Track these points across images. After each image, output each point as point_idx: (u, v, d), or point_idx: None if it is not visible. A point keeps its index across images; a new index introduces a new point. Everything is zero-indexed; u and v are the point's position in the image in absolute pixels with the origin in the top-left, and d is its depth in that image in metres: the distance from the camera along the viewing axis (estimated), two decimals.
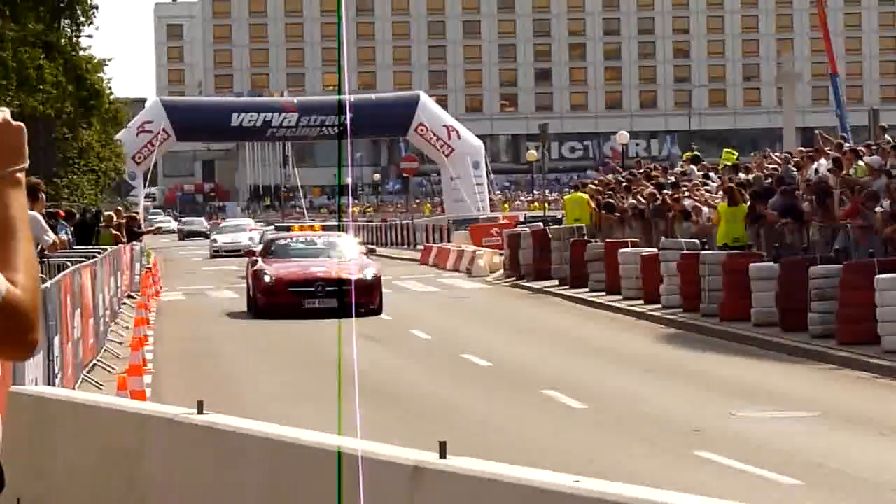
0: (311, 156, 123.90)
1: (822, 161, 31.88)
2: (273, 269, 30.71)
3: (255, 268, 30.62)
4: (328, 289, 30.05)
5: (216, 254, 61.43)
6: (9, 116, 2.80)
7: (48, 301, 15.03)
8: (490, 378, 24.29)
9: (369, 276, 32.53)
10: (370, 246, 37.97)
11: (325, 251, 35.74)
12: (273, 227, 65.39)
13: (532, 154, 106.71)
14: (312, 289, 29.89)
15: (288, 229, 50.77)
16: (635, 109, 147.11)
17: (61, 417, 10.04)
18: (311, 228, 47.16)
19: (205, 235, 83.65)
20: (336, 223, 56.79)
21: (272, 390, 20.64)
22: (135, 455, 8.93)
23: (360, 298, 31.49)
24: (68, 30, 51.02)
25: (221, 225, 59.51)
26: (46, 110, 42.91)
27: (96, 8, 50.55)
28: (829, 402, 20.51)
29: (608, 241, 40.47)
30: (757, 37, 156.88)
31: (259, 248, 42.24)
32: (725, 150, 52.83)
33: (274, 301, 30.69)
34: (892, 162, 28.09)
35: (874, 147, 32.86)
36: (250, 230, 68.57)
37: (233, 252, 63.98)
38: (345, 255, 35.11)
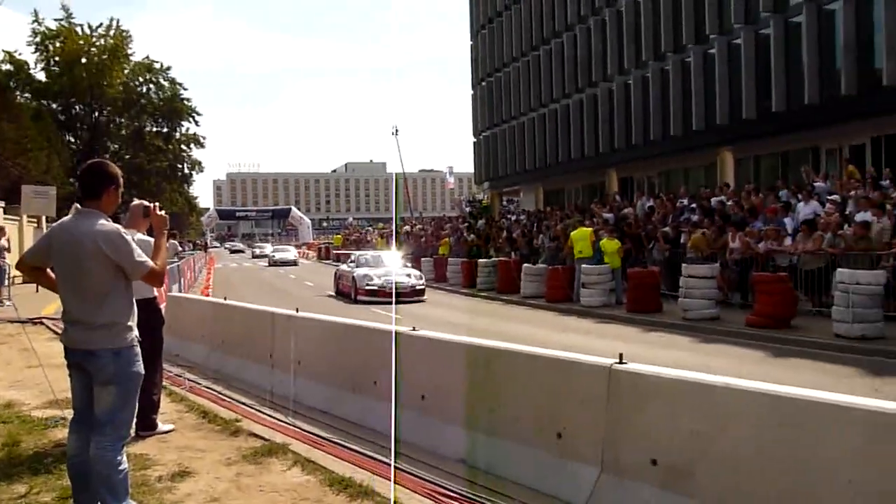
0: (260, 225, 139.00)
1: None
2: None
3: None
4: None
5: None
6: (164, 213, 4.45)
7: (179, 267, 19.23)
8: (313, 288, 24.46)
9: None
10: None
11: None
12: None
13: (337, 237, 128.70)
14: None
15: None
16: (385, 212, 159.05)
17: (183, 302, 11.93)
18: None
19: (240, 251, 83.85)
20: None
21: (250, 294, 19.70)
22: (207, 316, 10.31)
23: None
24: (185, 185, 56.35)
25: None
26: (175, 210, 48.76)
27: (194, 173, 55.81)
28: (469, 308, 18.65)
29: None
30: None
31: None
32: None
33: None
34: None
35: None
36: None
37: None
38: None
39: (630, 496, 4.11)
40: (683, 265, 14.38)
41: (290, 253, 48.97)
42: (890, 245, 12.54)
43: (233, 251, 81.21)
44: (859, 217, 13.41)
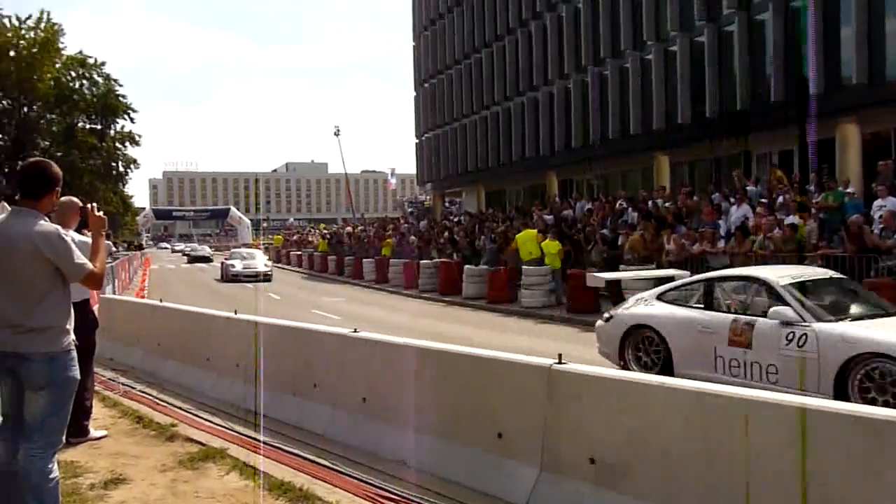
0: (199, 226, 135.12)
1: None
2: None
3: None
4: None
5: None
6: (102, 214, 4.26)
7: (114, 268, 19.09)
8: (251, 290, 24.18)
9: None
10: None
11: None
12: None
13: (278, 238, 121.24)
14: None
15: None
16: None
17: (118, 304, 11.87)
18: None
19: (172, 249, 77.65)
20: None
21: (189, 295, 19.18)
22: (142, 318, 10.10)
23: None
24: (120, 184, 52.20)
25: None
26: (110, 210, 43.79)
27: (129, 172, 51.64)
28: (411, 309, 17.55)
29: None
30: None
31: None
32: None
33: None
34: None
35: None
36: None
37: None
38: None
39: (569, 494, 4.17)
40: (621, 266, 14.67)
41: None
42: (816, 247, 13.03)
43: (194, 258, 54.56)
44: (787, 220, 13.90)
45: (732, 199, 16.87)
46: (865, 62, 19.71)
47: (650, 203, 19.64)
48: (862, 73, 19.70)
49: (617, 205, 20.86)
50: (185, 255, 63.38)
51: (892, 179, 14.53)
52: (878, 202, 13.59)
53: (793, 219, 13.83)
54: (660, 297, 8.51)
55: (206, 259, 53.02)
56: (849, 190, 15.37)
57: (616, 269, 14.92)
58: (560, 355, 4.50)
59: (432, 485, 4.77)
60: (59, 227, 3.88)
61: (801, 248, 13.03)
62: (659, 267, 15.04)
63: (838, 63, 20.79)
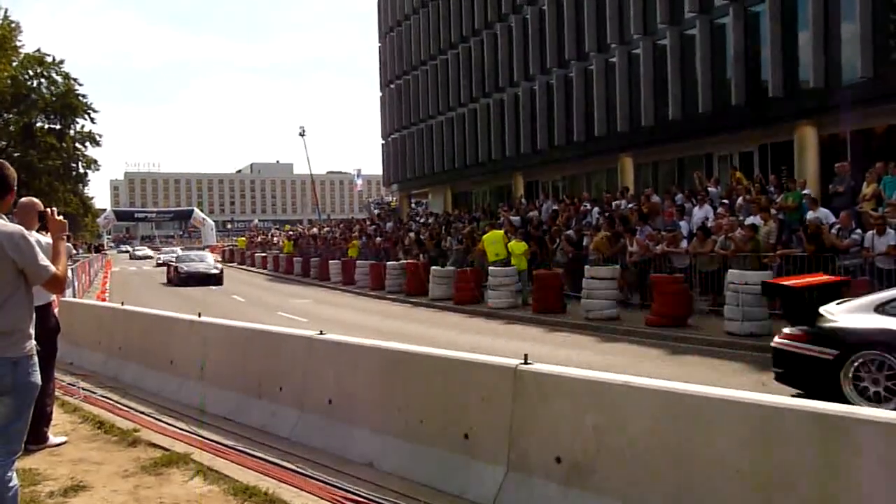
0: (161, 227, 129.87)
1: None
2: None
3: None
4: None
5: None
6: (62, 217, 4.19)
7: (74, 271, 19.57)
8: (214, 292, 23.65)
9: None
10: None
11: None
12: None
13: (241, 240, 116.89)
14: None
15: None
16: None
17: (78, 308, 11.71)
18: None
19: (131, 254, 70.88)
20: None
21: (151, 298, 18.88)
22: (103, 322, 9.90)
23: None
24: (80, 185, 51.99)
25: None
26: (69, 211, 43.85)
27: (90, 173, 51.17)
28: (378, 310, 16.93)
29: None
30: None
31: None
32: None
33: None
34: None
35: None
36: None
37: None
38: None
39: (535, 493, 4.19)
40: (586, 267, 14.79)
41: None
42: (775, 247, 13.28)
43: (188, 276, 29.27)
44: (748, 220, 14.14)
45: (695, 200, 17.12)
46: (822, 66, 20.14)
47: (614, 204, 19.84)
48: (819, 76, 20.12)
49: (581, 206, 21.04)
50: (161, 264, 41.74)
51: (850, 181, 14.86)
52: (810, 214, 13.67)
53: (753, 219, 14.07)
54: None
55: (215, 279, 29.42)
56: (805, 191, 15.68)
57: (581, 270, 15.01)
58: (526, 356, 4.52)
59: (399, 486, 4.76)
60: (22, 227, 3.79)
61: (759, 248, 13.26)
62: (624, 268, 15.20)
63: (796, 67, 21.21)
